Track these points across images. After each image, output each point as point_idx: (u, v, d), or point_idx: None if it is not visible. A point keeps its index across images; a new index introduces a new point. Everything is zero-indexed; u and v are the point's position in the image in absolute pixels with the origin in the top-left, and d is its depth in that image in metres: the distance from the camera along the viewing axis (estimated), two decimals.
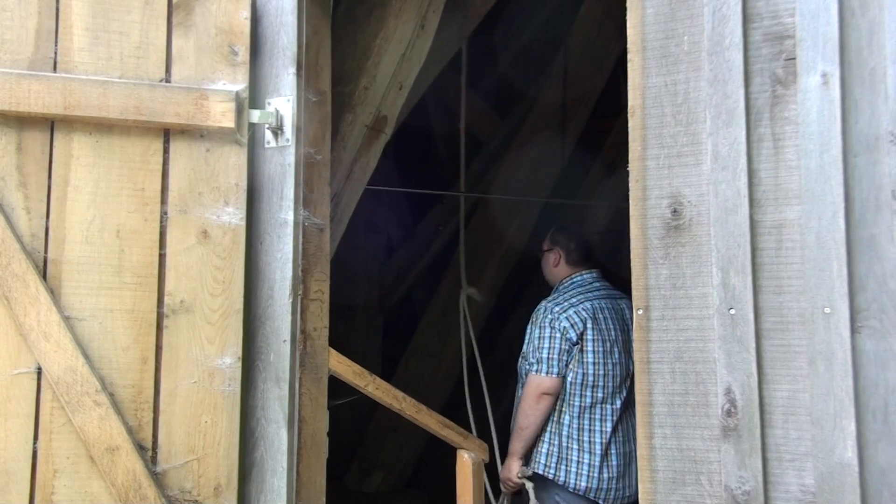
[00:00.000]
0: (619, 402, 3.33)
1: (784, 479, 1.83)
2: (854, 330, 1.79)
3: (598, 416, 3.29)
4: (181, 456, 2.10)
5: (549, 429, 3.33)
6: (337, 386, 2.55)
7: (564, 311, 3.34)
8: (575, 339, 3.29)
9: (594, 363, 3.29)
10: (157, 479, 2.08)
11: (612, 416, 3.30)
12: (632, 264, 2.00)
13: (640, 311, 1.97)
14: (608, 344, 3.34)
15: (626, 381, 3.35)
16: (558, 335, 3.30)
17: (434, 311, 5.46)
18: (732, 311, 1.88)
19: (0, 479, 2.04)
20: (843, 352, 1.79)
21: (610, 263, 3.78)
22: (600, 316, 3.37)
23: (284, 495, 2.16)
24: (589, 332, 3.31)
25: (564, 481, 3.27)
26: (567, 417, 3.30)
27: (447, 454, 3.31)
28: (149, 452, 2.09)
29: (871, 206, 1.81)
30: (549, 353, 3.29)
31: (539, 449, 3.34)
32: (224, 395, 2.13)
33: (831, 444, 1.79)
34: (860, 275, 1.80)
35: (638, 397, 1.97)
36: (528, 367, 3.35)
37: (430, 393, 5.13)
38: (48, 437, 2.06)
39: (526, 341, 3.41)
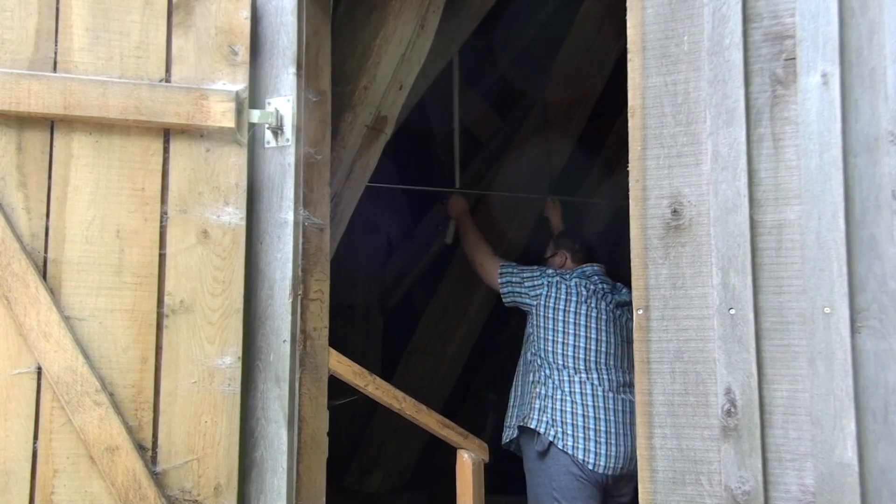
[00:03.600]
0: (599, 379, 3.37)
1: (784, 479, 1.83)
2: (854, 330, 1.79)
3: (575, 396, 3.35)
4: (181, 456, 2.10)
5: (539, 391, 3.41)
6: (337, 386, 2.55)
7: (555, 272, 3.58)
8: (545, 284, 3.49)
9: (563, 332, 3.41)
10: (157, 478, 2.08)
11: (592, 390, 3.34)
12: (632, 264, 2.00)
13: (640, 311, 1.97)
14: (589, 318, 3.43)
15: (611, 362, 3.41)
16: (538, 276, 3.55)
17: (434, 311, 5.45)
18: (732, 311, 1.88)
19: (0, 479, 2.04)
20: (843, 352, 1.79)
21: (609, 263, 3.79)
22: (589, 294, 3.48)
23: (284, 495, 2.16)
24: (572, 295, 3.45)
25: (555, 436, 3.32)
26: (545, 392, 3.38)
27: (447, 454, 3.31)
28: (149, 452, 2.09)
29: (871, 206, 1.81)
30: (521, 273, 3.61)
31: (533, 406, 3.40)
32: (224, 395, 2.13)
33: (831, 444, 1.79)
34: (860, 275, 1.80)
35: (638, 397, 1.97)
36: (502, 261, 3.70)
37: (430, 393, 5.13)
38: (48, 436, 2.06)
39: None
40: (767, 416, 1.85)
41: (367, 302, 5.67)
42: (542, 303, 3.47)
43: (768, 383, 1.86)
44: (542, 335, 3.45)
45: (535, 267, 3.64)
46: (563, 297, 3.45)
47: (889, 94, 1.81)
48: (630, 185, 2.01)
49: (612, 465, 3.28)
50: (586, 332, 3.41)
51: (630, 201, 2.01)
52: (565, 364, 3.38)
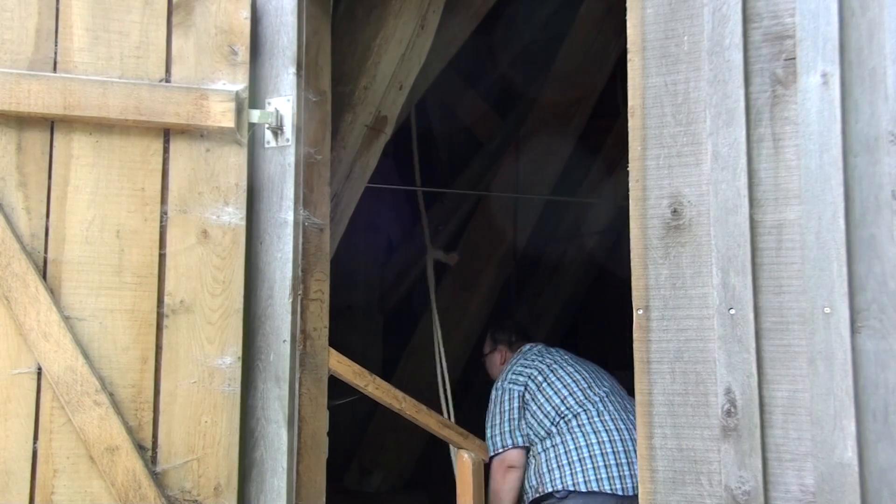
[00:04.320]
0: (594, 410, 3.33)
1: (784, 479, 1.83)
2: (854, 330, 1.79)
3: (584, 427, 3.30)
4: (181, 456, 2.10)
5: (541, 457, 3.33)
6: (337, 386, 2.55)
7: (507, 378, 3.47)
8: (522, 390, 3.39)
9: (555, 394, 3.36)
10: (157, 478, 2.08)
11: (594, 422, 3.31)
12: (632, 264, 2.00)
13: (640, 311, 1.97)
14: (561, 375, 3.41)
15: (592, 390, 3.39)
16: (508, 401, 3.40)
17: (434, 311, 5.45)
18: (732, 311, 1.88)
19: (0, 479, 2.04)
20: (843, 352, 1.79)
21: (610, 263, 3.80)
22: (544, 363, 3.47)
23: (284, 495, 2.16)
24: (537, 378, 3.41)
25: (575, 482, 3.22)
26: (550, 444, 3.31)
27: (447, 454, 3.32)
28: (149, 452, 2.09)
29: (871, 206, 1.81)
30: (504, 427, 3.37)
31: (540, 470, 3.32)
32: (224, 395, 2.13)
33: (831, 444, 1.78)
34: (860, 275, 1.80)
35: (638, 397, 1.97)
36: (490, 449, 3.41)
37: (430, 393, 5.12)
38: (48, 436, 2.06)
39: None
40: (767, 416, 1.85)
41: (367, 302, 5.67)
42: (531, 406, 3.40)
43: (768, 383, 1.85)
44: (539, 420, 3.38)
45: (498, 399, 3.46)
46: (521, 386, 3.42)
47: (889, 94, 1.81)
48: (630, 185, 2.00)
49: (629, 485, 3.20)
50: (560, 385, 3.38)
51: (630, 201, 2.00)
52: (555, 420, 3.32)
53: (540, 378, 3.40)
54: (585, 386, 3.38)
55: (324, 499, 2.33)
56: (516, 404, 3.39)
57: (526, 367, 3.48)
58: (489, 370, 3.80)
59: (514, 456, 3.33)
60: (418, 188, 4.57)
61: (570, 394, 3.35)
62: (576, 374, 3.42)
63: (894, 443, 1.76)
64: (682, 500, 1.90)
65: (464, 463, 3.05)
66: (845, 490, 1.77)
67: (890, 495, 1.75)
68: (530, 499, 3.36)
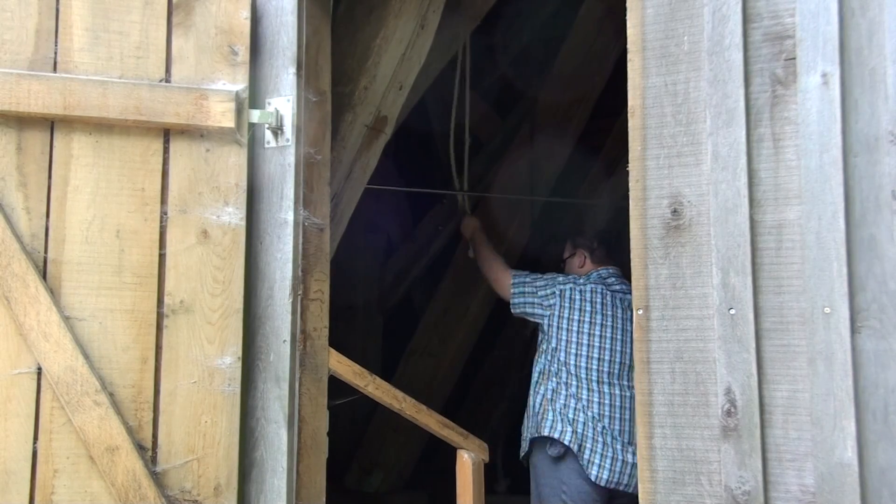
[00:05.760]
0: (617, 389, 3.33)
1: (784, 479, 1.83)
2: (854, 330, 1.79)
3: (595, 399, 3.31)
4: (181, 456, 2.10)
5: (553, 399, 3.35)
6: (337, 386, 2.54)
7: (577, 279, 3.49)
8: (558, 293, 3.41)
9: (578, 342, 3.36)
10: (157, 478, 2.08)
11: (610, 401, 3.31)
12: (632, 264, 2.00)
13: (640, 311, 1.97)
14: (605, 327, 3.37)
15: (625, 372, 3.37)
16: (556, 284, 3.46)
17: (434, 311, 5.45)
18: (732, 311, 1.88)
19: (0, 479, 2.04)
20: (843, 352, 1.79)
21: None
22: (606, 301, 3.42)
23: (284, 495, 2.16)
24: (586, 304, 3.39)
25: (569, 443, 3.26)
26: (564, 389, 3.33)
27: (447, 454, 3.31)
28: (149, 452, 2.09)
29: (871, 206, 1.81)
30: (531, 277, 3.53)
31: (546, 416, 3.34)
32: (224, 395, 2.13)
33: (831, 444, 1.79)
34: (860, 275, 1.80)
35: (638, 397, 1.97)
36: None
37: (430, 393, 5.13)
38: (48, 436, 2.06)
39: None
40: (767, 416, 1.85)
41: (367, 302, 5.67)
42: (557, 313, 3.39)
43: (768, 383, 1.86)
44: (559, 346, 3.36)
45: (549, 276, 3.54)
46: (577, 306, 3.38)
47: (889, 94, 1.81)
48: (630, 185, 2.01)
49: (614, 480, 3.23)
50: (601, 342, 3.34)
51: (630, 201, 2.01)
52: (588, 375, 3.31)
53: (586, 321, 3.37)
54: (620, 371, 3.34)
55: (324, 499, 2.33)
56: (547, 291, 3.46)
57: (591, 290, 3.43)
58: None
59: (507, 281, 3.58)
60: (461, 192, 4.61)
61: (606, 367, 3.32)
62: (619, 352, 3.36)
63: (894, 443, 1.76)
64: (682, 500, 1.90)
65: (464, 463, 3.05)
66: (845, 490, 1.77)
67: (890, 495, 1.75)
68: (527, 434, 3.41)
